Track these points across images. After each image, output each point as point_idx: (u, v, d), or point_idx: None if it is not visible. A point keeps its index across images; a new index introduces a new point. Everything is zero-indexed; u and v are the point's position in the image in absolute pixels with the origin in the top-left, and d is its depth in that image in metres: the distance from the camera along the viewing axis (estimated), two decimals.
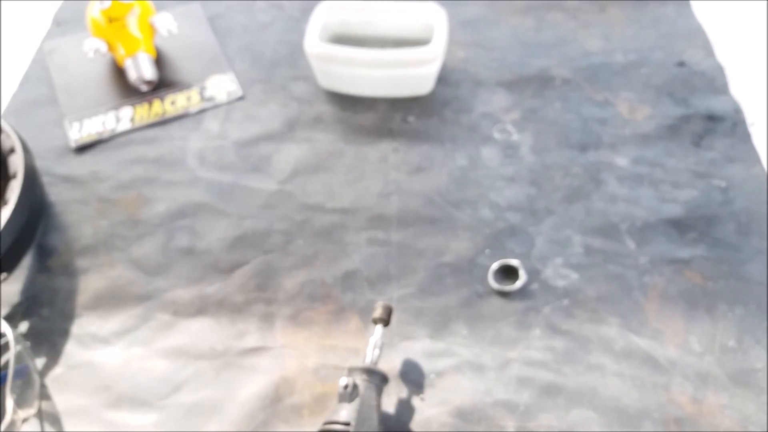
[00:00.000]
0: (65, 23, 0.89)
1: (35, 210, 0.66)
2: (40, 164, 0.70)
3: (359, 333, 0.59)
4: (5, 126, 0.66)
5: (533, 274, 0.61)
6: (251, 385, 0.57)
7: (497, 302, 0.60)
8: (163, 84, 0.80)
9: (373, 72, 0.73)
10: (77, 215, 0.69)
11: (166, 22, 0.83)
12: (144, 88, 0.79)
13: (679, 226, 0.64)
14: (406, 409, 0.55)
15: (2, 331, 0.56)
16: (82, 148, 0.75)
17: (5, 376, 0.54)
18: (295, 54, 0.82)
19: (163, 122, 0.77)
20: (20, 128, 0.69)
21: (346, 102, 0.77)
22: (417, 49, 0.72)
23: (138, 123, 0.77)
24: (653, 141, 0.70)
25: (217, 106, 0.78)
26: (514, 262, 0.62)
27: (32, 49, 0.86)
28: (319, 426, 0.49)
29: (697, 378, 0.55)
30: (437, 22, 0.74)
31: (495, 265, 0.62)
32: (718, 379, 0.54)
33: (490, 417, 0.54)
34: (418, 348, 0.58)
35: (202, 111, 0.78)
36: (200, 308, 0.62)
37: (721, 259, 0.61)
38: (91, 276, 0.65)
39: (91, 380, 0.58)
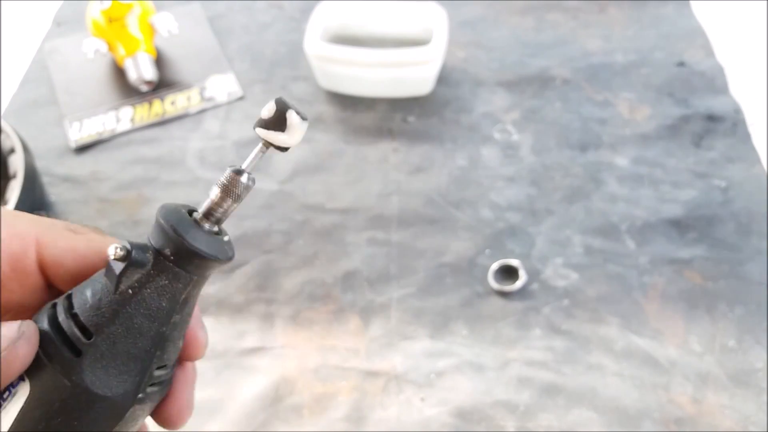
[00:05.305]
0: (65, 23, 0.89)
1: (35, 210, 0.66)
2: (40, 164, 0.70)
3: (359, 333, 0.59)
4: (5, 126, 0.66)
5: (533, 274, 0.61)
6: (251, 385, 0.57)
7: (497, 302, 0.60)
8: (163, 84, 0.80)
9: (373, 72, 0.73)
10: (77, 215, 0.69)
11: (166, 22, 0.83)
12: (144, 88, 0.79)
13: (679, 226, 0.64)
14: (406, 409, 0.55)
15: None
16: (82, 148, 0.75)
17: None
18: (295, 54, 0.82)
19: (163, 122, 0.77)
20: (20, 128, 0.69)
21: (346, 102, 0.77)
22: (417, 49, 0.72)
23: (138, 123, 0.77)
24: (653, 141, 0.70)
25: (217, 106, 0.78)
26: (514, 262, 0.62)
27: (32, 49, 0.86)
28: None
29: (697, 378, 0.55)
30: (437, 22, 0.74)
31: (495, 265, 0.62)
32: (718, 379, 0.54)
33: (490, 417, 0.54)
34: (418, 348, 0.58)
35: (202, 111, 0.78)
36: (200, 308, 0.62)
37: (721, 259, 0.61)
38: None
39: None
